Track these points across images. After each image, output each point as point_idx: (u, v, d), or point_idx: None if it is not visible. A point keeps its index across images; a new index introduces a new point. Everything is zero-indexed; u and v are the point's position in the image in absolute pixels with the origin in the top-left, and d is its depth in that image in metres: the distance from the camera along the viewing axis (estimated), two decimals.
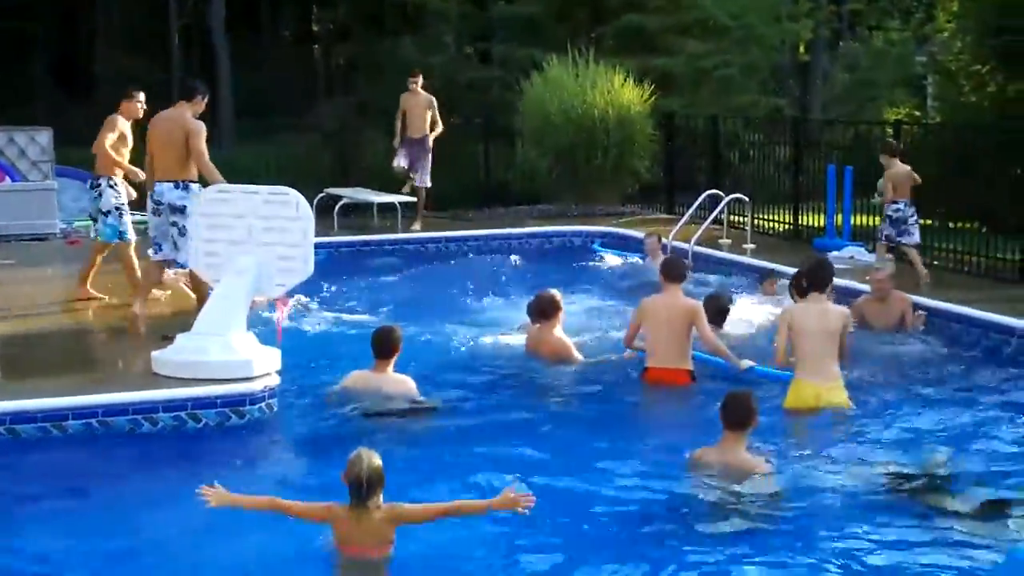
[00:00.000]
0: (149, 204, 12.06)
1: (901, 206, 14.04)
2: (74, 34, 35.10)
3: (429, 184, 18.60)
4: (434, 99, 18.61)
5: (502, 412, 10.04)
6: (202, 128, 11.80)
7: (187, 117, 11.83)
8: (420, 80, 18.55)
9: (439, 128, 18.57)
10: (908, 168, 14.13)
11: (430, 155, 18.53)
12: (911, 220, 14.05)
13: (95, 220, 13.03)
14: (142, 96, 12.97)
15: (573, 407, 10.43)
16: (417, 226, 18.55)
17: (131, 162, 12.73)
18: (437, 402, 9.98)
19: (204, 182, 11.69)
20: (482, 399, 10.38)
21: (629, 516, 7.68)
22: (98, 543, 7.32)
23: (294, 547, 7.02)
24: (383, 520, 6.59)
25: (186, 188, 11.80)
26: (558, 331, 11.31)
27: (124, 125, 12.77)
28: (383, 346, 9.89)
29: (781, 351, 9.91)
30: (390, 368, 9.95)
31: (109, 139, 12.55)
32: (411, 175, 18.57)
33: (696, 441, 8.56)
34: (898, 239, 14.09)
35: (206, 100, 12.21)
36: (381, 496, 6.59)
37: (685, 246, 15.92)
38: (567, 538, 7.42)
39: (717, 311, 11.47)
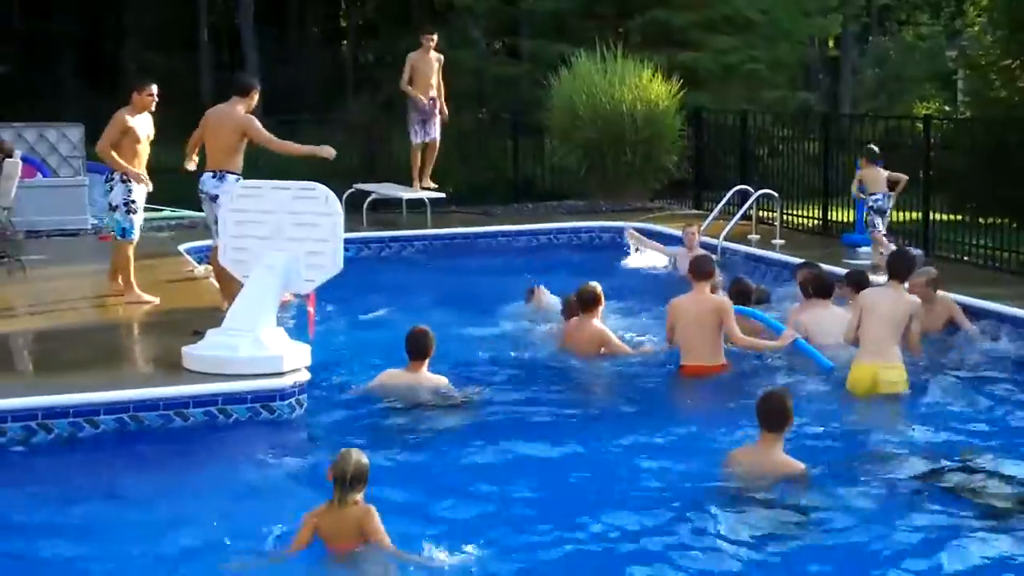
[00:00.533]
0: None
1: (880, 197, 15.10)
2: (103, 32, 35.29)
3: (438, 136, 18.78)
4: (442, 57, 18.78)
5: (535, 406, 10.07)
6: (253, 120, 12.25)
7: (239, 112, 12.25)
8: (435, 40, 18.65)
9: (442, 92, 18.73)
10: (885, 173, 15.25)
11: (439, 115, 18.68)
12: (888, 210, 15.29)
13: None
14: (154, 88, 12.65)
15: (609, 400, 10.45)
16: (426, 180, 18.71)
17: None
18: (469, 395, 10.02)
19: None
20: (515, 393, 10.40)
21: (662, 515, 7.63)
22: (130, 537, 7.35)
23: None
24: (359, 517, 6.83)
25: (222, 178, 12.12)
26: (598, 323, 11.37)
27: (134, 120, 12.51)
28: (417, 348, 10.00)
29: (851, 330, 10.22)
30: (424, 368, 10.04)
31: (108, 138, 12.39)
32: (426, 139, 18.68)
33: (731, 436, 8.57)
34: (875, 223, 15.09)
35: (257, 95, 12.61)
36: (362, 495, 6.86)
37: (714, 242, 15.90)
38: (597, 533, 7.40)
39: (739, 293, 11.63)
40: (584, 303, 11.39)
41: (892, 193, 15.26)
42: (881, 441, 9.04)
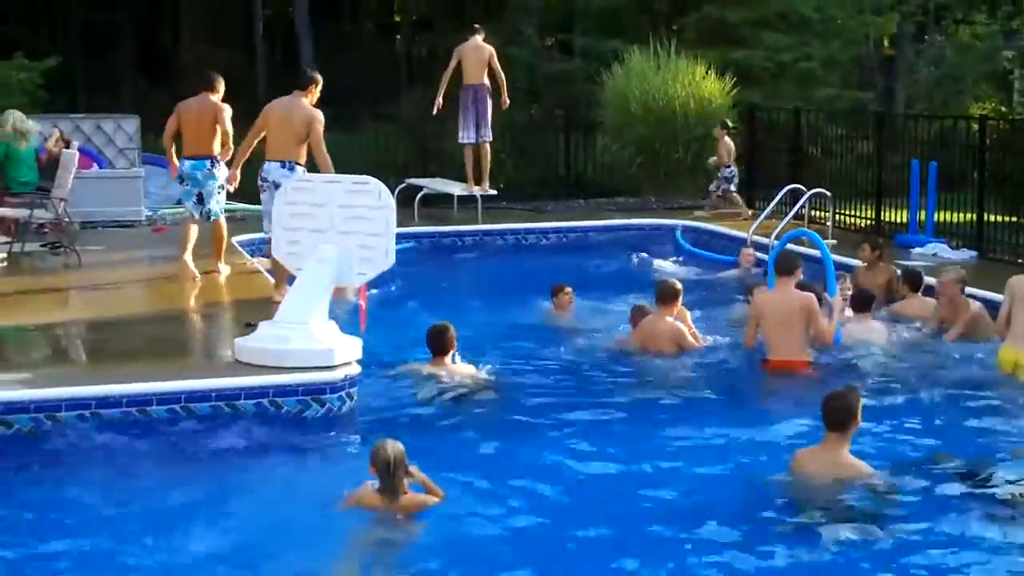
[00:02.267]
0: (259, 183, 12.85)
1: (734, 168, 19.01)
2: (159, 24, 35.51)
3: (491, 137, 18.59)
4: (494, 51, 18.60)
5: (590, 400, 10.15)
6: (322, 117, 12.56)
7: (306, 105, 12.61)
8: (482, 35, 18.56)
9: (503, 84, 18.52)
10: (732, 144, 18.96)
11: (489, 105, 18.46)
12: (735, 180, 19.14)
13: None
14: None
15: (684, 396, 10.41)
16: (486, 186, 18.64)
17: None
18: (490, 383, 10.22)
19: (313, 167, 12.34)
20: (566, 387, 10.50)
21: (725, 515, 7.59)
22: (178, 527, 7.43)
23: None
24: (411, 506, 7.32)
25: (292, 168, 12.42)
26: (673, 320, 11.40)
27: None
28: (437, 344, 10.18)
29: (1002, 319, 10.57)
30: (447, 360, 10.20)
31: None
32: (479, 141, 18.54)
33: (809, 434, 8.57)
34: (728, 189, 18.96)
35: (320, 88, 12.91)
36: (405, 481, 7.34)
37: (766, 241, 15.83)
38: (656, 531, 7.42)
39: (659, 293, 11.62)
40: (663, 298, 11.39)
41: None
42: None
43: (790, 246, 13.35)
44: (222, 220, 13.79)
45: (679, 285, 11.55)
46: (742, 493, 7.97)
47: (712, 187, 19.33)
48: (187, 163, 13.49)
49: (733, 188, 19.13)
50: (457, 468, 8.27)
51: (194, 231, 13.60)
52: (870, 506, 7.63)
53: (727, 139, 19.15)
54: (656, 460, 8.63)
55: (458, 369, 10.30)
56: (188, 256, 13.52)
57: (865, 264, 13.73)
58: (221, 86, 13.58)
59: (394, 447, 7.35)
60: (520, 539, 7.26)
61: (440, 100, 18.50)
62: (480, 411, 9.72)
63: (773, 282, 11.29)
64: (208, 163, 13.42)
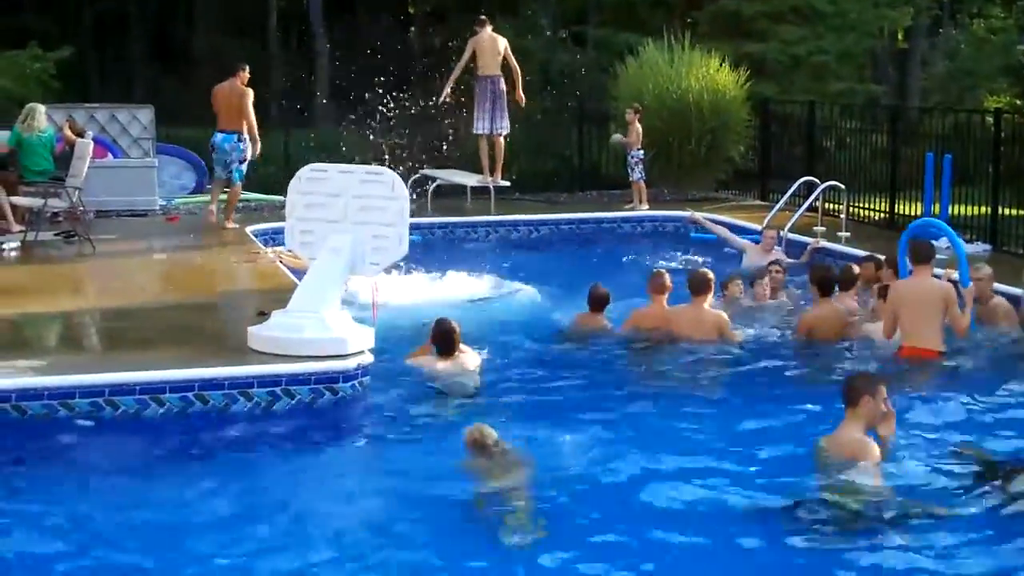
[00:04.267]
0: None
1: (641, 153, 18.92)
2: (173, 14, 35.53)
3: (507, 130, 18.61)
4: (507, 42, 18.62)
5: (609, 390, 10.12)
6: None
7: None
8: (491, 26, 18.58)
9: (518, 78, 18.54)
10: (637, 127, 18.94)
11: (505, 97, 18.46)
12: (643, 163, 19.06)
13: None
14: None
15: (723, 384, 10.48)
16: (498, 176, 18.65)
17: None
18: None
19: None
20: (581, 377, 10.45)
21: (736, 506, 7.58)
22: (192, 515, 7.46)
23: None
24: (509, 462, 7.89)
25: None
26: (708, 308, 11.38)
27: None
28: (444, 344, 10.04)
29: None
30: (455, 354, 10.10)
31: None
32: (494, 133, 18.55)
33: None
34: (636, 177, 18.95)
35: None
36: (500, 442, 7.96)
37: (779, 233, 15.80)
38: (668, 522, 7.38)
39: (821, 281, 11.55)
40: (696, 288, 11.36)
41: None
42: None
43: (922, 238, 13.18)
44: (239, 186, 16.59)
45: (711, 275, 11.51)
46: (758, 483, 7.92)
47: (637, 171, 19.11)
48: (219, 136, 16.33)
49: (638, 176, 19.02)
50: None
51: (220, 187, 16.67)
52: (872, 486, 7.57)
53: (638, 124, 19.03)
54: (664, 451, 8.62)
55: (467, 360, 10.22)
56: (214, 207, 16.62)
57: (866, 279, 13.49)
58: (244, 73, 16.32)
59: (481, 431, 7.93)
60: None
61: (448, 90, 18.50)
62: (495, 401, 9.69)
63: (905, 271, 11.32)
64: (235, 137, 16.20)
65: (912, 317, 10.73)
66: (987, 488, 7.68)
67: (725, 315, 11.42)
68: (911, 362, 10.65)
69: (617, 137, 19.46)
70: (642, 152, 19.01)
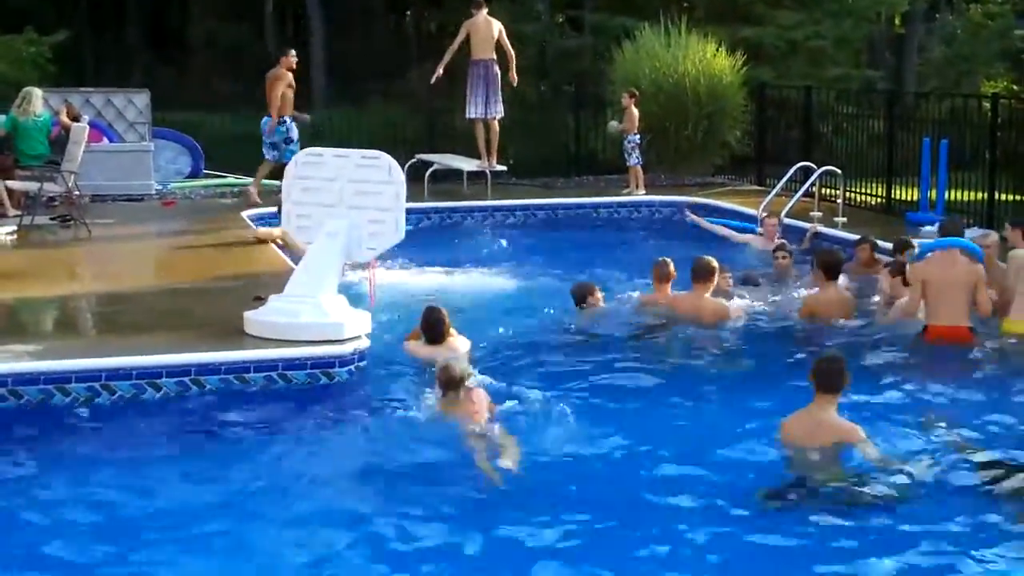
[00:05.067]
0: None
1: (637, 138, 18.78)
2: (168, 0, 35.47)
3: (503, 113, 18.64)
4: (502, 26, 18.61)
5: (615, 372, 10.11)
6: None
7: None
8: (486, 8, 18.55)
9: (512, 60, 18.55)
10: (634, 112, 18.85)
11: (499, 80, 18.49)
12: (639, 147, 18.91)
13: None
14: (294, 52, 17.82)
15: (720, 367, 10.45)
16: (493, 160, 18.65)
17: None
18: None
19: None
20: (588, 362, 10.43)
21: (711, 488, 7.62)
22: (193, 498, 7.48)
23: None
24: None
25: None
26: (710, 296, 11.37)
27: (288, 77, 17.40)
28: (433, 333, 9.89)
29: None
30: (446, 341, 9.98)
31: (277, 91, 17.21)
32: (488, 117, 18.53)
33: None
34: (633, 162, 18.85)
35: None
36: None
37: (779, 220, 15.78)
38: (636, 504, 7.44)
39: (828, 266, 11.49)
40: (699, 275, 11.34)
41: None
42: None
43: (955, 217, 13.05)
44: (266, 164, 17.48)
45: (715, 262, 11.45)
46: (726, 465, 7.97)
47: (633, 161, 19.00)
48: (264, 118, 17.45)
49: (634, 161, 18.92)
50: None
51: (264, 168, 17.54)
52: (857, 467, 7.64)
53: (634, 108, 19.00)
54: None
55: (456, 346, 10.11)
56: (254, 188, 17.54)
57: (862, 263, 13.48)
58: (287, 58, 17.49)
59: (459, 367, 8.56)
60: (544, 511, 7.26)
61: (440, 71, 18.49)
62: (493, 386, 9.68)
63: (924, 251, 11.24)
64: (267, 120, 17.32)
65: (939, 296, 10.65)
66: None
67: (726, 303, 11.41)
68: (936, 341, 10.57)
69: (614, 125, 19.38)
70: (639, 137, 18.93)
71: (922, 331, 10.74)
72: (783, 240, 14.46)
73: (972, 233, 14.33)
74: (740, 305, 11.73)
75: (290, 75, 17.45)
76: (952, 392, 9.46)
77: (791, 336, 11.29)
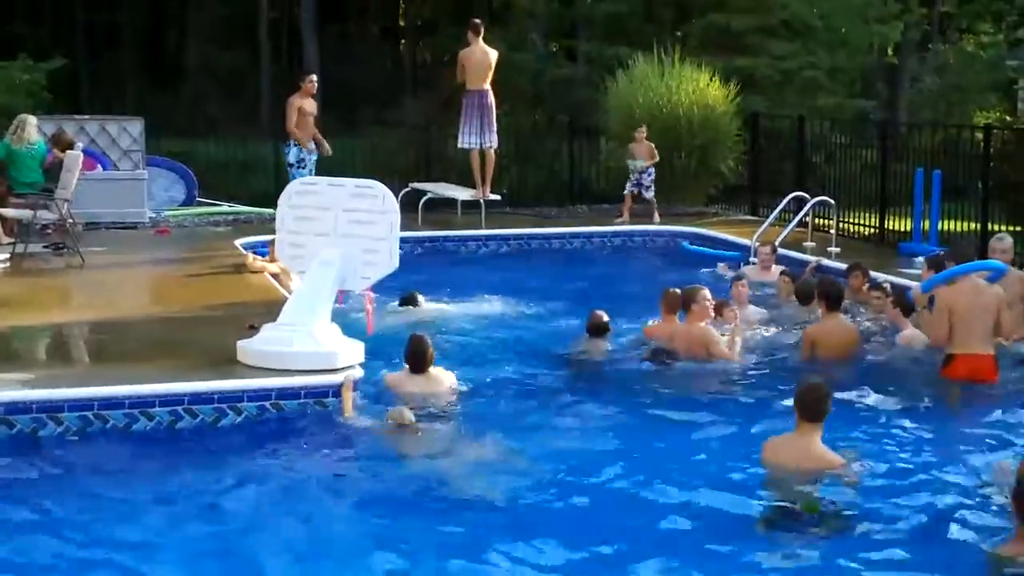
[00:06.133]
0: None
1: (652, 171, 19.12)
2: (164, 26, 35.57)
3: (497, 144, 18.62)
4: (496, 54, 18.56)
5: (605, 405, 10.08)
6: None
7: None
8: (481, 34, 18.46)
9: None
10: (652, 145, 19.17)
11: (493, 111, 18.45)
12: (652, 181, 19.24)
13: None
14: (315, 77, 18.25)
15: (715, 400, 10.39)
16: (487, 190, 18.62)
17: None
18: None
19: None
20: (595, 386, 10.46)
21: (694, 512, 7.66)
22: (185, 528, 7.45)
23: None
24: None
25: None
26: (696, 324, 11.31)
27: (304, 102, 17.62)
28: (416, 363, 9.88)
29: None
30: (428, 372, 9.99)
31: (291, 117, 17.42)
32: (483, 147, 18.51)
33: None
34: (646, 195, 19.15)
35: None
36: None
37: (784, 252, 15.74)
38: (625, 532, 7.42)
39: (830, 296, 11.42)
40: (666, 307, 11.41)
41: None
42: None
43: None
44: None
45: (678, 291, 11.41)
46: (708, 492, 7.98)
47: (638, 190, 19.27)
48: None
49: (651, 195, 19.19)
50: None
51: None
52: (839, 497, 7.66)
53: (647, 141, 19.31)
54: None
55: (440, 377, 10.10)
56: None
57: (854, 289, 13.47)
58: (305, 84, 17.84)
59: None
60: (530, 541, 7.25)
61: None
62: (475, 413, 9.67)
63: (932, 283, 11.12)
64: (289, 145, 17.56)
65: (964, 322, 10.37)
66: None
67: (712, 331, 11.34)
68: (963, 378, 10.36)
69: (640, 163, 19.28)
70: (653, 170, 19.23)
71: (946, 360, 10.50)
72: (784, 268, 14.51)
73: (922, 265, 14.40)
74: (752, 317, 11.68)
75: (308, 100, 17.64)
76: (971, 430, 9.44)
77: (792, 369, 11.13)
